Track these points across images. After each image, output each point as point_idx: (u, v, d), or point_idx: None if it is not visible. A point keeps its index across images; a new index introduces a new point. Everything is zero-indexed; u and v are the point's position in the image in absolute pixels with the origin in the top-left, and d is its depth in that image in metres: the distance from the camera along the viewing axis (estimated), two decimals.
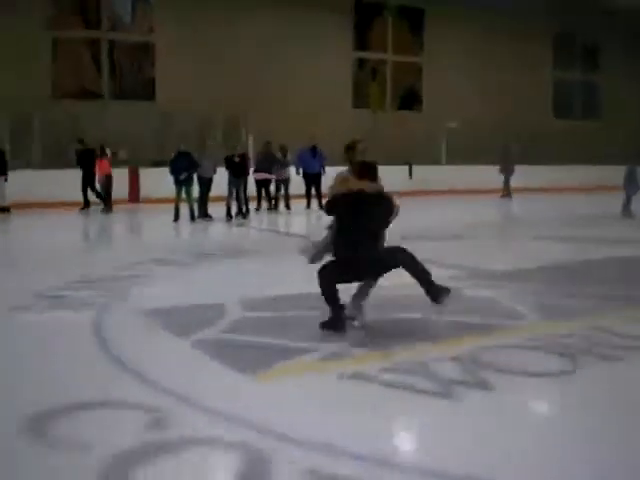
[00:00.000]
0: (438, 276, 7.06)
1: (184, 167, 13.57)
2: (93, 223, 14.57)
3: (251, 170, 15.79)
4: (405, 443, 3.36)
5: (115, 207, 16.78)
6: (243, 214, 14.43)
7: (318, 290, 5.19)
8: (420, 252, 8.72)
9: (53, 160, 18.49)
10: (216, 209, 14.37)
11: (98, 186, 16.17)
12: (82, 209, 16.00)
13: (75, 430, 3.42)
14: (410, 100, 24.81)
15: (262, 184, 16.44)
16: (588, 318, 5.68)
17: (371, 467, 3.03)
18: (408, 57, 24.54)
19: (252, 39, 21.35)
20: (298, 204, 16.75)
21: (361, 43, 23.86)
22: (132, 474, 2.96)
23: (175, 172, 13.65)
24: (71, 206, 16.55)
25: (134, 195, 18.72)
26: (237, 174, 14.43)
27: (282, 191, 16.62)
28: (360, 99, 23.88)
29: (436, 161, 23.58)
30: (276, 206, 16.21)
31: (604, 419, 3.62)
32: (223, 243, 11.67)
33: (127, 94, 20.28)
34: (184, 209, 13.83)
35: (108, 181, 15.91)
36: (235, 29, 21.23)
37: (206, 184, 14.17)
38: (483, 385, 4.06)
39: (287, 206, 16.19)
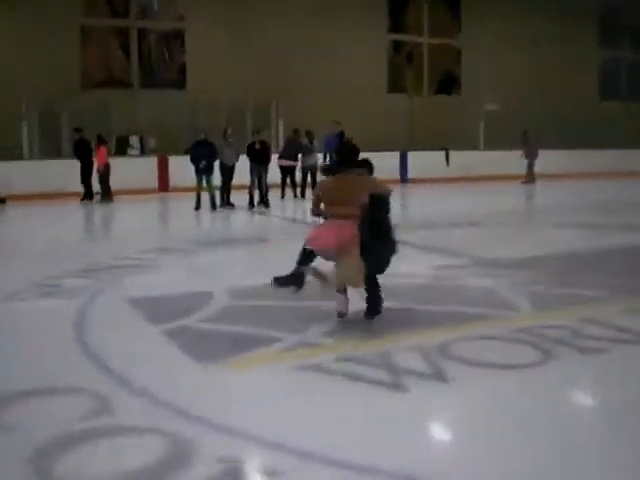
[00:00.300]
0: (444, 264, 7.17)
1: (203, 155, 13.67)
2: (107, 213, 14.80)
3: (275, 157, 15.84)
4: (336, 436, 3.35)
5: (143, 196, 17.05)
6: (265, 202, 14.45)
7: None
8: (432, 240, 8.85)
9: None
10: (240, 197, 14.45)
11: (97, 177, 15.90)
12: (83, 200, 15.94)
13: (10, 416, 3.50)
14: (448, 84, 24.50)
15: (287, 172, 16.45)
16: (585, 309, 5.61)
17: (293, 460, 3.03)
18: (445, 39, 24.22)
19: (283, 23, 21.34)
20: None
21: (396, 25, 23.64)
22: (50, 461, 3.02)
23: (195, 160, 13.77)
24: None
25: (163, 184, 18.97)
26: (258, 161, 14.46)
27: (309, 179, 16.57)
28: (396, 83, 23.67)
29: (474, 147, 23.27)
30: (302, 194, 16.18)
31: (549, 415, 3.54)
32: (237, 232, 11.78)
33: (157, 82, 20.50)
34: (206, 197, 13.93)
35: (106, 170, 15.91)
36: (266, 13, 21.25)
37: (228, 172, 14.27)
38: (439, 377, 4.03)
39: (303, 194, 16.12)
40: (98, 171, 15.95)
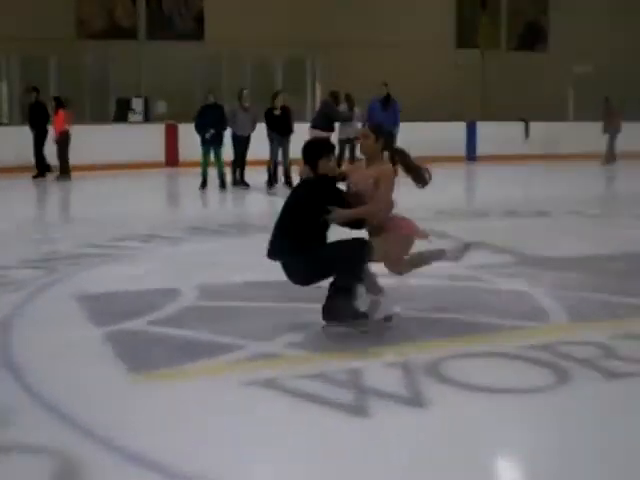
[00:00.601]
0: (480, 263, 7.19)
1: (211, 123, 13.81)
2: (81, 192, 15.08)
3: (306, 126, 15.88)
4: (265, 470, 3.39)
5: (144, 171, 17.32)
6: (288, 182, 14.48)
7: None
8: (478, 232, 8.91)
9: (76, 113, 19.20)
10: (257, 175, 14.50)
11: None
12: (36, 177, 15.95)
13: None
14: (531, 38, 24.25)
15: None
16: (633, 323, 5.54)
17: None
18: None
19: None
20: None
21: None
22: None
23: (200, 129, 13.94)
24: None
25: (172, 157, 19.22)
26: (279, 131, 14.45)
27: (346, 154, 16.59)
28: (465, 35, 23.52)
29: (560, 117, 22.95)
30: None
31: (531, 452, 3.53)
32: (243, 217, 11.90)
33: (168, 32, 20.79)
34: (214, 174, 14.10)
35: (64, 140, 15.81)
36: None
37: (242, 144, 14.38)
38: (414, 401, 4.04)
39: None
40: (55, 141, 15.87)
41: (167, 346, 5.04)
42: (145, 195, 14.67)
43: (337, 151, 16.37)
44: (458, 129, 21.30)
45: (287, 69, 21.10)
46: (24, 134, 16.18)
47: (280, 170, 14.70)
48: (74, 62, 19.05)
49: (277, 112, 14.44)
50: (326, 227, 5.23)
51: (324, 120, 16.24)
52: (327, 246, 5.22)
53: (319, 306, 5.32)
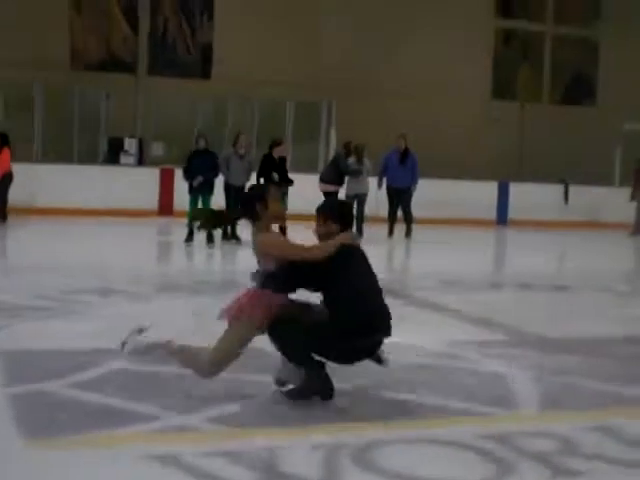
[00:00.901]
0: (468, 340, 7.49)
1: (200, 170, 13.99)
2: (47, 237, 15.28)
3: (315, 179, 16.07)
4: None
5: (139, 219, 17.47)
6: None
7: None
8: (482, 306, 8.98)
9: (61, 152, 19.58)
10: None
11: None
12: None
13: None
14: (578, 90, 24.38)
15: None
16: (612, 414, 5.53)
17: None
18: (577, 28, 24.13)
19: None
20: (378, 228, 16.82)
21: (507, 8, 23.74)
22: None
23: (189, 176, 14.11)
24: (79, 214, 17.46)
25: (165, 205, 19.41)
26: (279, 179, 14.62)
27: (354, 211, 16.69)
28: (503, 86, 23.71)
29: (607, 180, 22.96)
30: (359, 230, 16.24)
31: None
32: (222, 275, 12.01)
33: (171, 68, 21.13)
34: None
35: (7, 181, 16.41)
36: None
37: (235, 194, 14.48)
38: None
39: (359, 230, 16.19)
40: None
41: (75, 412, 5.06)
42: (125, 245, 14.78)
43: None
44: (489, 189, 21.37)
45: (299, 113, 21.34)
46: None
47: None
48: (63, 96, 19.40)
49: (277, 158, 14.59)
50: None
51: (333, 173, 16.45)
52: None
53: (261, 378, 5.49)
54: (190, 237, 14.25)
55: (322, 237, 5.66)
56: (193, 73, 21.33)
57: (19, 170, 17.87)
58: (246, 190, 6.04)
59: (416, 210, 17.49)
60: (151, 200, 19.19)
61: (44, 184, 17.96)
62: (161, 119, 20.23)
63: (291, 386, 5.52)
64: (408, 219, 16.99)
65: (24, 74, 19.21)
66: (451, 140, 22.00)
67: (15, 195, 17.23)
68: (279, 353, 5.50)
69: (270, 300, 5.42)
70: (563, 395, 5.93)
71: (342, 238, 5.54)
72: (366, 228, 16.35)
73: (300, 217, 17.15)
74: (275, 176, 14.47)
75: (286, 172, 14.90)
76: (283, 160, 15.02)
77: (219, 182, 14.58)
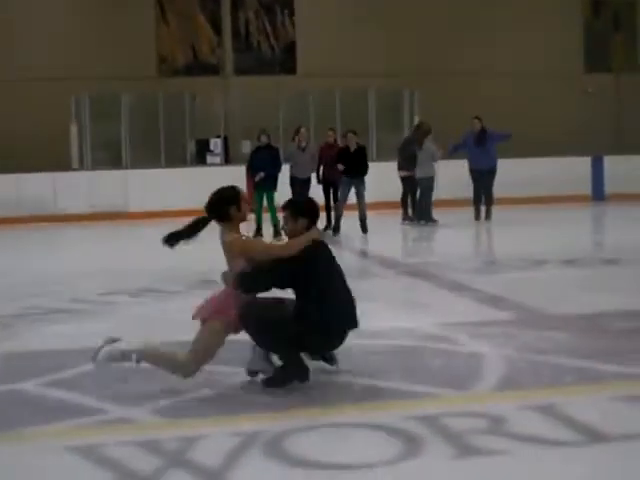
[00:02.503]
0: (471, 320, 7.59)
1: (262, 165, 14.22)
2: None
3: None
4: None
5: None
6: (363, 228, 14.66)
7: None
8: (508, 284, 8.92)
9: (150, 157, 20.21)
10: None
11: None
12: None
13: None
14: None
15: (407, 185, 16.61)
16: (565, 391, 5.49)
17: None
18: None
19: None
20: (459, 212, 16.72)
21: None
22: None
23: (252, 172, 14.38)
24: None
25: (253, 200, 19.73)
26: (352, 172, 14.74)
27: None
28: (596, 58, 23.13)
29: None
30: (421, 216, 16.23)
31: None
32: None
33: (255, 67, 21.51)
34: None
35: None
36: None
37: (302, 187, 14.71)
38: (212, 476, 4.20)
39: (426, 215, 16.06)
40: None
41: (35, 408, 5.39)
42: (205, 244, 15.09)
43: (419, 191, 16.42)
44: (582, 164, 20.90)
45: (381, 102, 21.36)
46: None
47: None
48: (150, 101, 20.02)
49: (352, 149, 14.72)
50: None
51: (400, 158, 16.47)
52: None
53: (236, 370, 5.76)
54: (259, 231, 14.52)
55: (292, 234, 5.79)
56: (277, 70, 21.63)
57: (110, 177, 18.66)
58: (216, 192, 6.01)
59: (508, 190, 17.33)
60: None
61: (134, 189, 18.56)
62: (247, 117, 20.57)
63: (262, 376, 5.71)
64: (489, 201, 16.82)
65: (113, 85, 19.89)
66: (543, 118, 21.68)
67: (107, 201, 17.97)
68: (249, 344, 5.71)
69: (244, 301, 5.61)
70: (528, 374, 5.90)
71: (312, 234, 5.69)
72: (449, 211, 16.21)
73: (384, 204, 17.51)
74: (340, 167, 14.59)
75: (358, 162, 14.81)
76: (359, 150, 14.98)
77: (284, 177, 14.76)
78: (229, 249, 5.73)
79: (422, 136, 16.12)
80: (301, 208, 5.90)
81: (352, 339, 6.49)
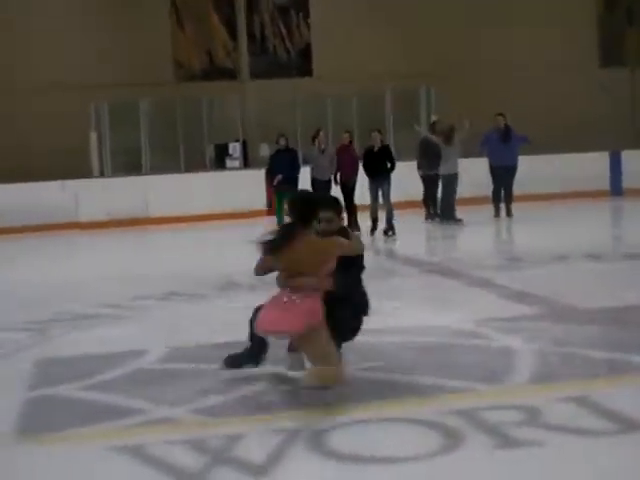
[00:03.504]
0: (501, 316, 7.67)
1: (281, 168, 14.35)
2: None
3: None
4: None
5: (250, 220, 17.90)
6: (390, 229, 14.66)
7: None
8: (534, 281, 8.95)
9: (169, 161, 20.36)
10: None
11: None
12: None
13: None
14: None
15: (430, 184, 16.67)
16: (600, 384, 5.57)
17: None
18: None
19: None
20: (481, 210, 16.78)
21: None
22: None
23: (272, 175, 14.51)
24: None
25: (273, 206, 19.82)
26: (377, 171, 14.82)
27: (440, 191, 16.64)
28: (611, 53, 23.16)
29: None
30: (437, 214, 16.28)
31: None
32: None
33: (271, 70, 21.62)
34: None
35: None
36: None
37: (322, 189, 14.81)
38: (262, 472, 4.29)
39: (448, 215, 16.11)
40: None
41: (76, 410, 5.51)
42: (201, 247, 15.23)
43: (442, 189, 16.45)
44: (600, 160, 20.92)
45: (398, 101, 21.45)
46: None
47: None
48: (168, 106, 20.17)
49: (376, 149, 14.89)
50: None
51: (425, 156, 16.52)
52: None
53: (268, 370, 5.91)
54: None
55: (329, 232, 5.86)
56: (294, 72, 21.74)
57: (130, 183, 18.81)
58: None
59: (526, 187, 17.42)
60: (259, 200, 19.57)
61: (154, 194, 18.68)
62: (265, 120, 20.69)
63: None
64: (509, 199, 16.86)
65: (131, 92, 20.04)
66: (561, 114, 21.68)
67: (128, 207, 18.13)
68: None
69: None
70: (560, 367, 5.98)
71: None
72: (467, 209, 16.34)
73: (405, 204, 17.55)
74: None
75: (382, 161, 14.90)
76: (383, 149, 15.05)
77: (304, 179, 14.88)
78: (328, 251, 5.67)
79: (449, 133, 16.10)
80: (342, 208, 6.20)
81: (384, 336, 6.70)
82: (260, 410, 5.33)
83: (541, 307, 8.18)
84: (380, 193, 14.92)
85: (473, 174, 17.24)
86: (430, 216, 16.65)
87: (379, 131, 15.33)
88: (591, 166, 20.48)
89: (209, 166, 20.73)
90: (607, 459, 4.33)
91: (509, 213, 16.81)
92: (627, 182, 20.92)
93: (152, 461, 4.51)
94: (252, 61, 21.68)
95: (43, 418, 5.41)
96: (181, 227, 18.05)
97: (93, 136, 20.06)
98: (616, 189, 21.02)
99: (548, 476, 4.19)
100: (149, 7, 20.82)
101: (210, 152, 20.90)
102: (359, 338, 6.15)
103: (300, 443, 4.65)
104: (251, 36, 21.70)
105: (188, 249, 15.08)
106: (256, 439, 4.79)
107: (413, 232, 15.70)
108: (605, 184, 20.98)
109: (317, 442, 4.66)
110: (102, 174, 20.28)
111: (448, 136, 16.02)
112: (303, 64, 21.88)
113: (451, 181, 16.03)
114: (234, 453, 4.58)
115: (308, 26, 21.97)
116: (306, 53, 21.92)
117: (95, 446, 4.82)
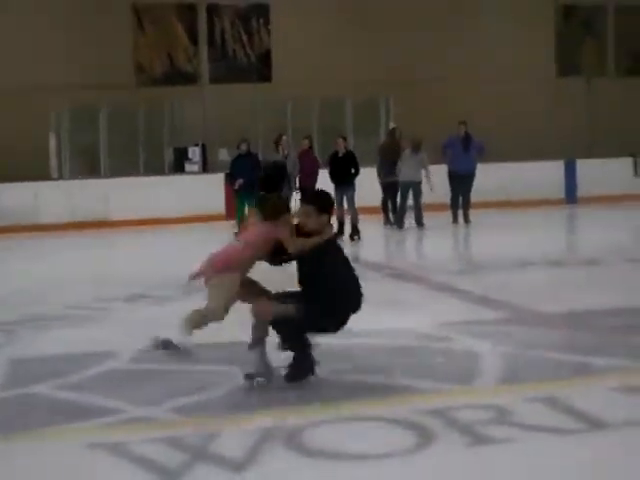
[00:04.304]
0: (467, 319, 7.84)
1: (242, 172, 14.47)
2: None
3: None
4: None
5: (209, 224, 17.93)
6: (356, 234, 14.85)
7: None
8: (497, 285, 9.13)
9: (129, 165, 20.34)
10: None
11: None
12: None
13: None
14: None
15: (389, 190, 16.86)
16: (562, 384, 5.72)
17: None
18: None
19: None
20: (438, 217, 16.98)
21: None
22: None
23: (231, 179, 14.63)
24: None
25: (232, 210, 19.85)
26: (341, 176, 15.04)
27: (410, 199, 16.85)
28: (568, 64, 23.52)
29: None
30: (400, 221, 16.47)
31: None
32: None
33: (232, 75, 21.65)
34: None
35: None
36: None
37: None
38: (240, 467, 4.39)
39: (418, 221, 16.38)
40: None
41: (52, 409, 5.57)
42: (184, 251, 15.23)
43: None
44: (555, 168, 21.27)
45: (358, 110, 21.64)
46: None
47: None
48: (129, 110, 20.17)
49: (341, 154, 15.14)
50: None
51: (388, 162, 16.73)
52: None
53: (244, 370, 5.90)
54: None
55: (312, 229, 5.89)
56: (254, 78, 21.80)
57: (89, 185, 18.80)
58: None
59: (483, 194, 17.68)
60: (218, 204, 19.60)
61: (114, 197, 18.67)
62: (225, 125, 20.73)
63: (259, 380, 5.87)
64: (467, 205, 17.10)
65: (92, 95, 19.99)
66: (518, 123, 21.94)
67: (87, 211, 18.11)
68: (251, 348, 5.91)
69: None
70: (526, 369, 6.16)
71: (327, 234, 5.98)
72: (429, 216, 16.56)
73: (364, 210, 17.67)
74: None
75: (346, 167, 15.24)
76: (347, 155, 15.38)
77: None
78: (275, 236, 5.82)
79: (418, 142, 16.28)
80: (327, 204, 6.02)
81: (352, 339, 6.82)
82: (235, 409, 5.45)
83: (504, 311, 8.36)
84: (345, 198, 15.13)
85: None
86: (389, 222, 16.84)
87: (343, 137, 15.58)
88: (547, 174, 20.86)
89: (168, 170, 20.72)
90: (575, 456, 4.50)
91: (467, 219, 17.05)
92: (582, 190, 21.31)
93: (133, 458, 4.59)
94: (212, 66, 21.71)
95: (19, 417, 5.45)
96: (141, 230, 18.04)
97: (52, 138, 20.00)
98: (571, 197, 21.40)
99: (519, 471, 4.35)
100: (110, 11, 20.76)
101: (169, 156, 20.91)
102: (327, 340, 6.25)
103: (276, 441, 4.76)
104: (212, 41, 21.73)
105: (149, 252, 15.09)
106: (233, 437, 4.88)
107: (373, 238, 15.85)
108: (560, 192, 21.34)
109: (293, 440, 4.77)
110: (61, 176, 20.20)
111: (417, 145, 16.25)
112: (263, 69, 21.93)
113: (418, 188, 16.26)
114: (213, 450, 4.67)
115: (268, 32, 22.03)
116: (266, 59, 21.98)
117: (75, 444, 4.88)
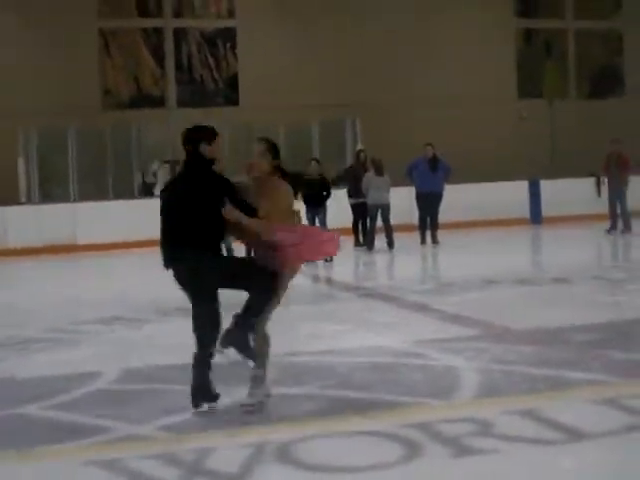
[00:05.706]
0: (441, 337, 8.01)
1: None
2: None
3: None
4: None
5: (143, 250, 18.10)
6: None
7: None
8: (467, 304, 9.35)
9: (97, 188, 20.41)
10: None
11: None
12: None
13: None
14: (605, 82, 24.49)
15: (358, 211, 17.09)
16: (539, 397, 5.93)
17: None
18: (599, 22, 24.27)
19: (371, 12, 22.12)
20: (405, 238, 17.20)
21: (527, 7, 24.02)
22: None
23: None
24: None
25: None
26: (314, 199, 15.31)
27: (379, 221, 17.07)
28: (529, 85, 23.96)
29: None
30: (370, 243, 16.67)
31: None
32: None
33: (198, 99, 21.84)
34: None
35: None
36: (342, 5, 22.17)
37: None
38: None
39: (388, 242, 16.57)
40: None
41: (44, 429, 5.69)
42: (147, 274, 15.28)
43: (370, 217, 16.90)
44: (519, 188, 21.61)
45: (325, 132, 21.90)
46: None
47: None
48: (97, 133, 20.27)
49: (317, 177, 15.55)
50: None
51: (353, 184, 17.01)
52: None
53: (233, 388, 6.04)
54: None
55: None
56: (221, 102, 22.00)
57: (58, 211, 18.83)
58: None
59: (449, 215, 17.94)
60: None
61: (82, 222, 18.71)
62: None
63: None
64: (435, 226, 17.32)
65: (58, 119, 20.08)
66: (481, 144, 22.25)
67: (57, 235, 18.14)
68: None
69: None
70: (503, 383, 6.37)
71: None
72: (398, 237, 16.76)
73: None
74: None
75: (319, 190, 15.55)
76: (319, 178, 15.70)
77: None
78: None
79: (379, 163, 16.51)
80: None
81: (331, 357, 7.04)
82: (226, 425, 5.59)
83: (477, 328, 8.56)
84: (317, 220, 15.38)
85: (397, 202, 17.60)
86: (359, 243, 17.06)
87: (317, 160, 15.83)
88: (511, 195, 21.18)
89: (137, 193, 20.82)
90: (557, 465, 4.71)
91: (435, 240, 17.27)
92: (546, 210, 21.67)
93: (130, 474, 4.72)
94: (179, 90, 21.88)
95: (11, 437, 5.54)
96: (111, 253, 18.09)
97: (21, 162, 20.05)
98: (535, 217, 21.74)
99: None
100: (76, 34, 20.86)
101: (138, 179, 21.02)
102: (308, 359, 6.46)
103: (268, 455, 4.92)
104: (179, 65, 21.91)
105: (122, 275, 15.20)
106: (226, 452, 5.04)
107: (344, 259, 16.01)
108: (525, 212, 21.67)
109: (284, 454, 4.94)
110: (29, 200, 20.23)
111: (378, 166, 16.47)
112: (230, 94, 22.14)
113: (388, 210, 16.48)
114: (208, 466, 4.82)
115: (235, 56, 22.25)
116: (233, 83, 22.18)
117: (70, 461, 5.02)
